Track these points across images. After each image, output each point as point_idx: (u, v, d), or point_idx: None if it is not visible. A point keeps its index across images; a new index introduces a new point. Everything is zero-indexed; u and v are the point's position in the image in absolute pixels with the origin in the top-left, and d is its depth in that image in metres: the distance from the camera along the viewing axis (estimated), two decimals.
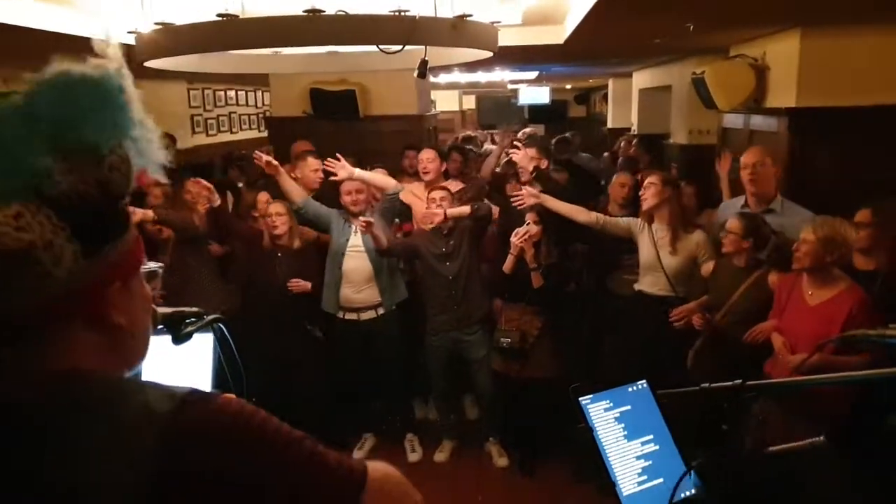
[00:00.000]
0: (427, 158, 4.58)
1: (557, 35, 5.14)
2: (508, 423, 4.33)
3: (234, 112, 10.57)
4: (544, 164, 4.42)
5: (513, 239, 3.93)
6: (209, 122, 9.73)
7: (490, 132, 8.34)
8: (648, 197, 3.84)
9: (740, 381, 1.52)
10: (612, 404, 1.62)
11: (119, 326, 0.82)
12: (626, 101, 10.27)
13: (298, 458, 0.81)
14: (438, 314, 4.10)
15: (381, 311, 4.24)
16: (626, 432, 1.59)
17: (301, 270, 4.24)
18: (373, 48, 3.44)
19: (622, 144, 7.88)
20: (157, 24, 3.18)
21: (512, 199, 4.11)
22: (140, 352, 0.89)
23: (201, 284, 4.58)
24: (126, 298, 0.84)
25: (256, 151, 4.44)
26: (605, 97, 13.29)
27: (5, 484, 0.70)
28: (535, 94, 13.71)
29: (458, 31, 3.36)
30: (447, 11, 3.38)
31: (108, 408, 0.74)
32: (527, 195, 3.93)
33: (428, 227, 4.05)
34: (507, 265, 4.00)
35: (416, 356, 4.42)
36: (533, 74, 10.04)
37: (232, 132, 10.44)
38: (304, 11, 3.04)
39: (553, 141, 8.19)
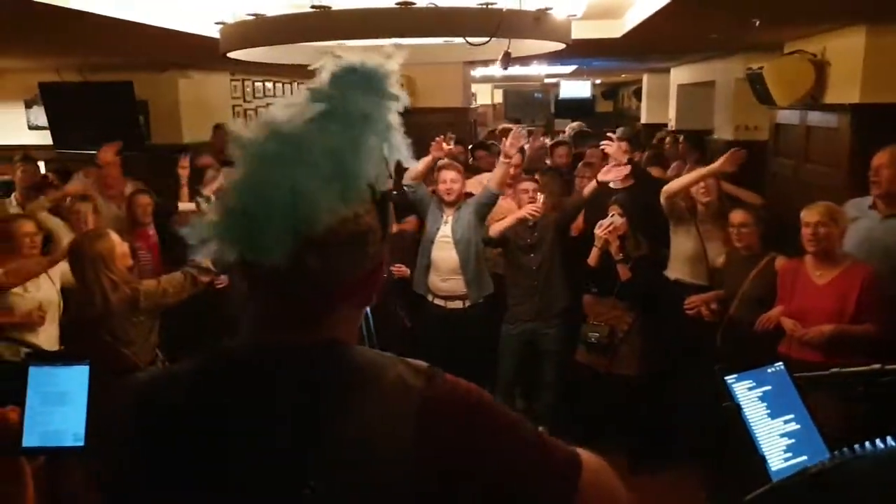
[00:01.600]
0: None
1: (616, 29, 5.18)
2: (577, 418, 4.32)
3: (272, 104, 10.59)
4: (637, 157, 4.49)
5: (597, 231, 3.96)
6: (248, 113, 9.82)
7: (526, 127, 8.42)
8: (705, 191, 3.90)
9: (878, 365, 1.58)
10: (754, 384, 1.68)
11: (370, 303, 0.93)
12: (662, 96, 10.26)
13: (525, 435, 0.88)
14: (518, 304, 4.16)
15: (467, 302, 4.28)
16: (769, 411, 1.66)
17: (401, 255, 4.32)
18: (427, 40, 3.52)
19: (667, 140, 7.89)
20: (249, 14, 3.26)
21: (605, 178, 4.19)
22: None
23: None
24: None
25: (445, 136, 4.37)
26: (636, 92, 13.26)
27: (294, 436, 0.79)
28: (575, 89, 13.71)
29: (539, 23, 3.42)
30: (513, 3, 3.43)
31: (374, 376, 0.83)
32: (614, 150, 4.04)
33: (531, 216, 4.07)
34: (592, 258, 4.03)
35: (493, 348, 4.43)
36: (570, 69, 10.06)
37: None
38: (397, 4, 3.11)
39: (572, 134, 8.24)
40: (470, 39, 3.35)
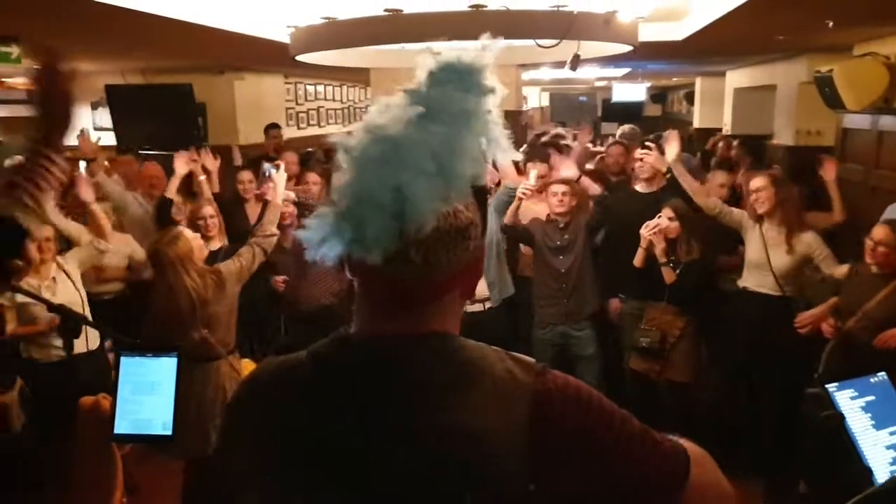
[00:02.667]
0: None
1: (678, 32, 5.11)
2: None
3: (323, 107, 10.80)
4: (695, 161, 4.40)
5: (643, 231, 3.90)
6: (300, 115, 9.97)
7: (572, 130, 8.32)
8: (763, 201, 3.78)
9: None
10: (857, 393, 1.63)
11: (472, 297, 0.94)
12: (716, 100, 10.08)
13: (635, 431, 0.88)
14: (546, 307, 4.09)
15: (488, 304, 4.24)
16: (873, 422, 1.61)
17: None
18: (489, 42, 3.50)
19: (719, 145, 7.73)
20: (323, 17, 3.31)
21: (638, 161, 4.14)
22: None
23: (319, 269, 4.70)
24: None
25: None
26: (688, 96, 13.05)
27: (406, 426, 0.81)
28: (629, 92, 13.49)
29: (609, 26, 3.40)
30: (582, 5, 3.42)
31: (483, 369, 0.85)
32: (654, 159, 3.98)
33: (554, 217, 4.04)
34: (638, 258, 3.97)
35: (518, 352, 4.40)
36: (622, 72, 9.97)
37: (320, 126, 10.67)
38: (469, 7, 3.13)
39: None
40: (540, 42, 3.36)
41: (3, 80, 7.58)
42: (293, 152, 6.09)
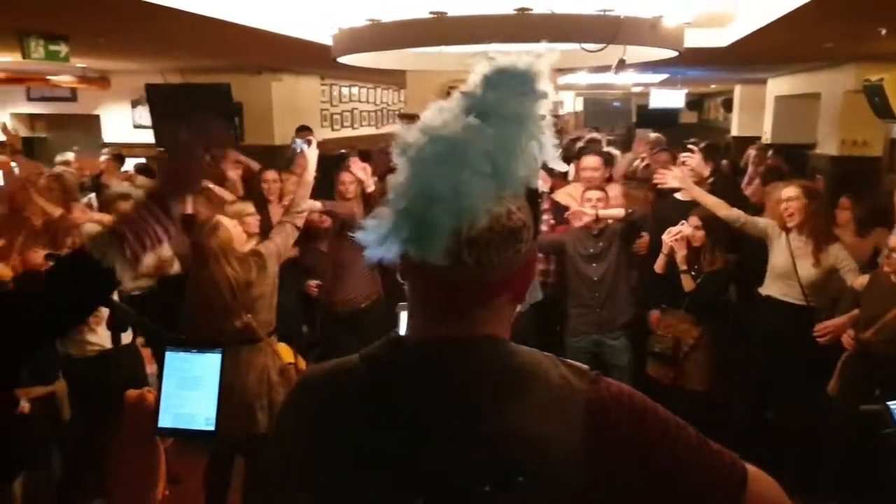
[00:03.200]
0: (592, 167, 4.35)
1: (722, 38, 5.02)
2: None
3: (356, 108, 10.85)
4: (725, 168, 4.32)
5: (665, 237, 3.85)
6: (334, 116, 10.04)
7: (606, 136, 8.24)
8: (794, 212, 3.69)
9: None
10: None
11: (523, 301, 0.92)
12: (755, 108, 9.91)
13: (692, 441, 0.86)
14: (579, 315, 4.05)
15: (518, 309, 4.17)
16: None
17: None
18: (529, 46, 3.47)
19: (752, 154, 7.57)
20: (368, 20, 3.31)
21: (656, 182, 4.07)
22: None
23: (355, 273, 4.71)
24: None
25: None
26: (725, 103, 12.85)
27: (461, 430, 0.81)
28: (666, 98, 13.28)
29: (655, 31, 3.34)
30: (629, 10, 3.37)
31: (537, 374, 0.85)
32: (669, 176, 3.92)
33: (577, 224, 3.99)
34: (659, 264, 3.92)
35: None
36: (659, 77, 9.84)
37: (353, 128, 10.72)
38: (515, 10, 3.10)
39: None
40: (584, 46, 3.31)
41: (48, 77, 7.74)
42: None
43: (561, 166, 0.92)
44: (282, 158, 6.64)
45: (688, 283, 3.76)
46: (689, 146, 4.21)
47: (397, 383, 0.85)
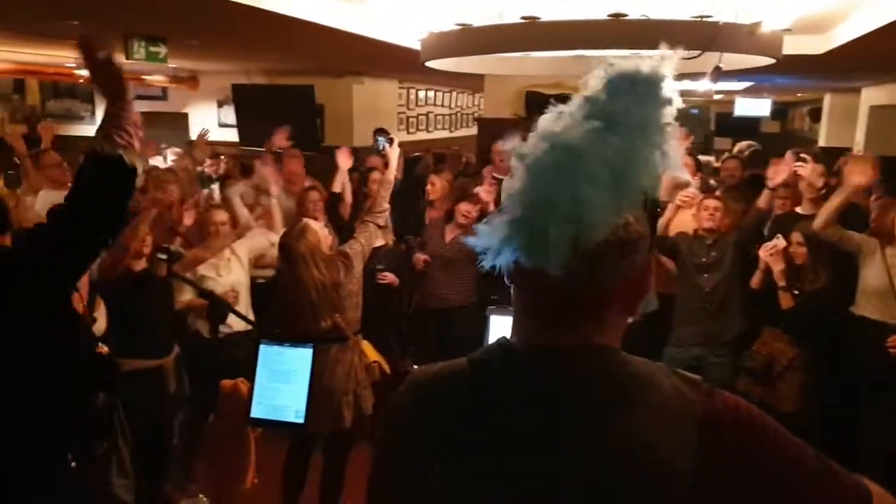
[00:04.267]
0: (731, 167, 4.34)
1: (820, 45, 4.82)
2: None
3: (432, 112, 10.94)
4: (833, 181, 4.15)
5: (761, 252, 3.71)
6: (410, 120, 10.15)
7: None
8: None
9: None
10: None
11: (635, 313, 0.89)
12: (846, 117, 9.44)
13: (813, 462, 0.81)
14: (686, 325, 3.92)
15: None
16: None
17: None
18: (616, 52, 3.40)
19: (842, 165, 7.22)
20: (457, 24, 3.33)
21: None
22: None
23: (454, 272, 4.68)
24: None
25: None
26: (812, 112, 12.33)
27: (569, 440, 0.79)
28: (752, 107, 12.76)
29: (753, 37, 3.24)
30: (728, 16, 3.27)
31: (649, 384, 0.81)
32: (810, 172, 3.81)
33: (702, 233, 3.87)
34: (755, 279, 3.78)
35: None
36: (742, 85, 9.52)
37: (428, 131, 10.81)
38: (609, 15, 3.05)
39: (748, 153, 7.72)
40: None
41: (143, 77, 8.12)
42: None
43: (685, 176, 0.90)
44: (360, 160, 6.78)
45: (785, 301, 3.61)
46: (802, 155, 4.05)
47: (507, 389, 0.84)
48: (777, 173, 3.98)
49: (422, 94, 10.46)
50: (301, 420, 1.91)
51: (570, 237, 0.78)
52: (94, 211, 1.64)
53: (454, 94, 11.76)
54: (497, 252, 0.83)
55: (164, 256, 2.65)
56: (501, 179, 5.32)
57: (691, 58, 3.22)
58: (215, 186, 5.37)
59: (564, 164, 0.79)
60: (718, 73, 3.26)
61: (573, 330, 0.84)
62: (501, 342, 0.89)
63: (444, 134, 11.40)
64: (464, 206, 4.29)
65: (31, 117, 9.30)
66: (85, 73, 5.69)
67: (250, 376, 1.90)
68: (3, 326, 1.58)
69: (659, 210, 0.91)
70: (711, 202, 3.85)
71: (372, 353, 3.20)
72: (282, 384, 1.91)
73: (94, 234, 1.67)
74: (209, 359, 3.34)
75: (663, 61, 0.83)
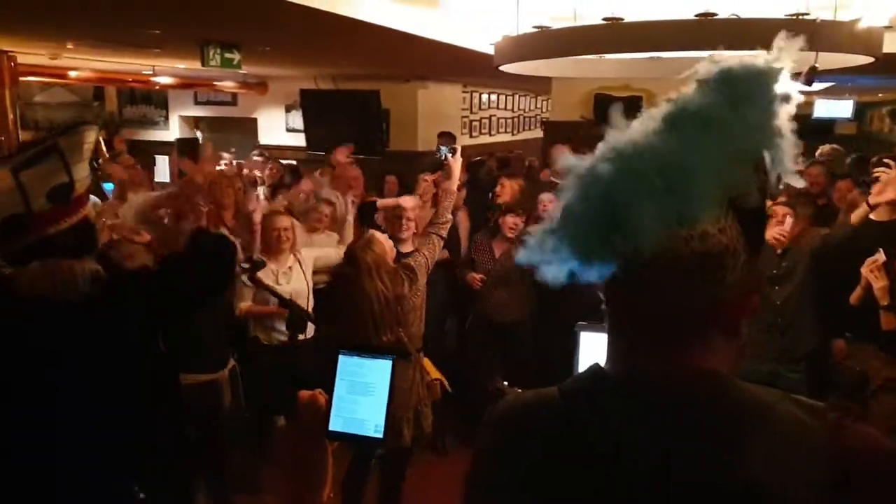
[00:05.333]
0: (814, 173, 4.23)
1: None
2: None
3: (494, 115, 10.87)
4: None
5: (863, 269, 3.49)
6: (473, 123, 10.10)
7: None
8: None
9: None
10: None
11: (740, 335, 0.80)
12: None
13: None
14: (758, 339, 3.74)
15: None
16: None
17: None
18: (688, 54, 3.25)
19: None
20: (534, 27, 3.25)
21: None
22: (739, 359, 0.85)
23: (514, 285, 4.62)
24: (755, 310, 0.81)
25: None
26: (892, 113, 11.72)
27: (675, 477, 0.72)
28: (833, 108, 12.14)
29: (854, 35, 3.05)
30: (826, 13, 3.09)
31: (763, 412, 0.74)
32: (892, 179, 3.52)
33: (772, 242, 3.69)
34: (854, 296, 3.56)
35: None
36: (821, 86, 9.09)
37: (490, 134, 10.74)
38: (696, 15, 2.93)
39: (851, 161, 7.32)
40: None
41: (215, 83, 8.31)
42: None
43: (798, 182, 0.77)
44: (420, 164, 6.76)
45: (887, 321, 3.37)
46: (885, 161, 3.80)
47: (602, 422, 0.77)
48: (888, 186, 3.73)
49: (484, 97, 10.40)
50: (380, 435, 1.86)
51: (613, 243, 0.73)
52: (192, 274, 1.72)
53: (517, 96, 11.65)
54: (549, 262, 0.79)
55: (247, 265, 2.64)
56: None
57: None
58: (261, 190, 5.41)
59: (615, 171, 0.74)
60: (814, 74, 3.08)
61: (670, 354, 0.77)
62: (595, 370, 0.83)
63: (507, 137, 11.31)
64: (510, 219, 4.19)
65: (110, 124, 9.67)
66: (162, 80, 5.84)
67: (313, 385, 1.89)
68: (109, 349, 1.59)
69: (753, 220, 0.79)
70: (779, 209, 3.64)
71: (433, 371, 3.15)
72: (360, 397, 1.87)
73: (192, 293, 1.76)
74: (270, 367, 3.40)
75: (775, 57, 0.76)
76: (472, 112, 9.97)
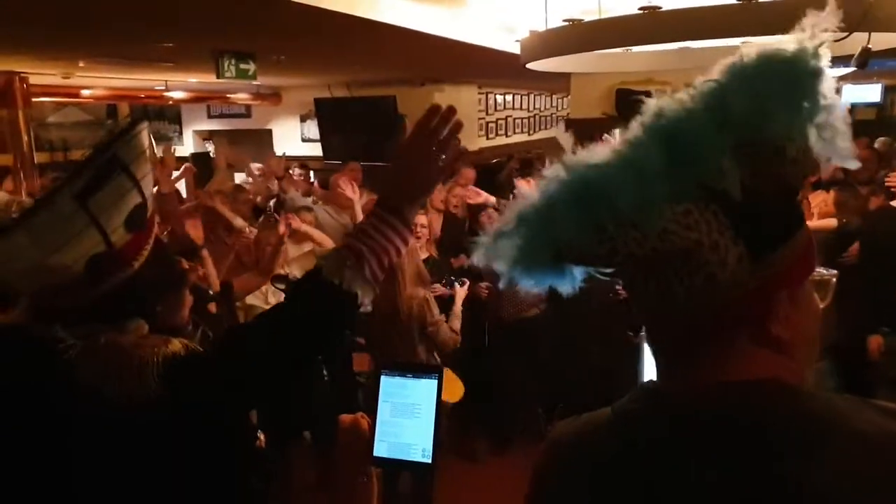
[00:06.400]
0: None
1: None
2: None
3: (510, 116, 10.72)
4: None
5: None
6: (489, 125, 9.96)
7: None
8: None
9: None
10: None
11: (779, 339, 0.73)
12: None
13: None
14: None
15: None
16: None
17: None
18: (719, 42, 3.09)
19: None
20: (565, 21, 3.11)
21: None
22: (807, 366, 0.79)
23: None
24: (792, 310, 0.73)
25: None
26: None
27: (759, 492, 0.67)
28: (862, 93, 11.86)
29: None
30: None
31: (844, 421, 0.68)
32: None
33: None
34: None
35: None
36: (845, 70, 8.85)
37: (507, 136, 10.60)
38: (738, 0, 2.76)
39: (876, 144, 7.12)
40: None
41: (228, 95, 8.23)
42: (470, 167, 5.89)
43: (853, 165, 0.70)
44: None
45: None
46: None
47: (661, 443, 0.73)
48: None
49: (500, 98, 10.26)
50: (429, 460, 1.71)
51: (593, 223, 0.71)
52: (302, 334, 1.20)
53: (532, 96, 11.51)
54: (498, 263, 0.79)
55: (281, 286, 2.50)
56: None
57: (838, 40, 2.89)
58: (270, 204, 5.31)
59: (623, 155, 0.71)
60: (867, 56, 2.89)
61: (716, 364, 0.73)
62: (647, 387, 0.79)
63: (523, 137, 11.18)
64: None
65: None
66: (175, 94, 5.70)
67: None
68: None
69: (746, 211, 0.70)
70: (818, 196, 3.49)
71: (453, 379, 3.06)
72: (405, 419, 1.73)
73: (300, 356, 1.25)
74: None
75: (807, 36, 0.69)
76: (487, 114, 9.83)
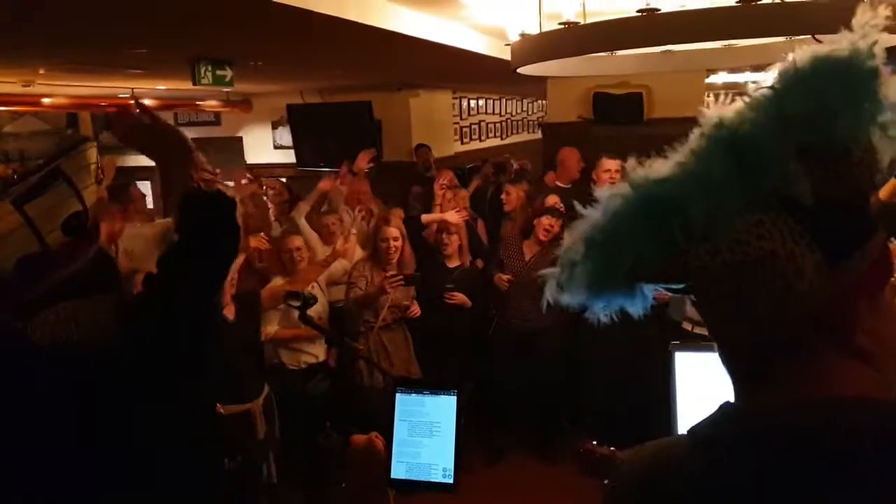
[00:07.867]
0: None
1: None
2: None
3: (483, 120, 10.68)
4: None
5: None
6: (464, 129, 9.91)
7: None
8: None
9: None
10: None
11: (864, 350, 0.70)
12: None
13: None
14: None
15: None
16: None
17: None
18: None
19: None
20: (560, 24, 3.04)
21: None
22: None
23: (534, 292, 4.51)
24: (874, 318, 0.70)
25: None
26: None
27: None
28: None
29: None
30: None
31: None
32: None
33: None
34: None
35: None
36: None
37: (481, 140, 10.56)
38: (737, 1, 2.72)
39: None
40: (819, 37, 2.88)
41: (197, 102, 8.02)
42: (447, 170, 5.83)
43: None
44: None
45: None
46: None
47: (749, 472, 0.68)
48: None
49: (473, 102, 10.22)
50: (450, 480, 1.61)
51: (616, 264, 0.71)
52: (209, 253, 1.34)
53: (503, 100, 11.49)
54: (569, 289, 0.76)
55: (296, 303, 2.38)
56: (566, 188, 5.02)
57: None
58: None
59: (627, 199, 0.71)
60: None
61: (808, 380, 0.70)
62: (727, 409, 0.74)
63: (497, 142, 11.16)
64: (546, 220, 4.02)
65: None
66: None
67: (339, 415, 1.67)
68: None
69: (820, 216, 0.67)
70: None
71: None
72: (424, 438, 1.63)
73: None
74: (297, 391, 3.31)
75: (862, 38, 0.66)
76: (461, 118, 9.77)
